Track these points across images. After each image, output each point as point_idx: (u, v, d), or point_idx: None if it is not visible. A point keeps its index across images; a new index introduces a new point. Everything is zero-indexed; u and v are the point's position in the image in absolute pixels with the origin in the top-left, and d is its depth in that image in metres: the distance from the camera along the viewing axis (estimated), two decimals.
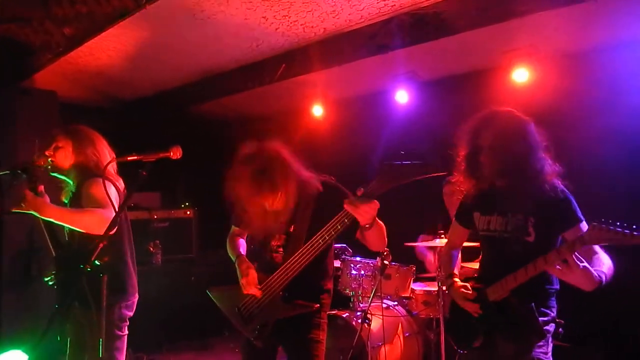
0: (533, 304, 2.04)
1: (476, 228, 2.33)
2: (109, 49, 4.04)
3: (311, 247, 2.12)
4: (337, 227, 2.04)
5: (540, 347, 2.05)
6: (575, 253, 1.86)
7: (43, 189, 2.34)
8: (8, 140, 4.17)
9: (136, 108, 5.82)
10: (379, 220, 2.07)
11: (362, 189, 1.93)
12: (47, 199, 2.35)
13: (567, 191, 2.11)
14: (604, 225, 1.79)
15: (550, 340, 2.10)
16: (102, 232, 1.88)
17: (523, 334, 2.05)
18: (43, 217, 2.32)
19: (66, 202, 2.62)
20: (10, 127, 4.19)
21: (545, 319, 2.10)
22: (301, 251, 2.14)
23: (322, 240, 2.08)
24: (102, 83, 5.01)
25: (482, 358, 2.20)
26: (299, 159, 2.28)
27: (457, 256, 2.53)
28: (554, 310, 2.16)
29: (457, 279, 2.34)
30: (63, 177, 2.62)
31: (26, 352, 3.51)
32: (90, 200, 2.42)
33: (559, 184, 2.12)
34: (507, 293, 2.06)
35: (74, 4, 3.15)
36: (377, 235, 2.11)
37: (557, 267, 1.89)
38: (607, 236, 1.79)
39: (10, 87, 4.22)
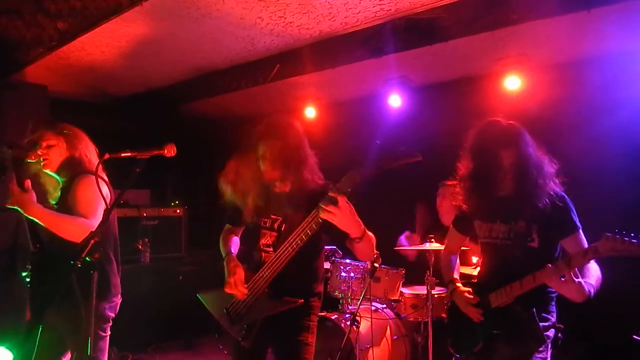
0: (534, 309, 2.06)
1: (477, 235, 2.35)
2: (101, 44, 4.01)
3: (290, 245, 2.12)
4: (312, 226, 2.03)
5: (539, 352, 2.07)
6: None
7: (30, 185, 2.30)
8: None
9: (127, 105, 5.78)
10: (369, 233, 2.07)
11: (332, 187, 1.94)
12: (34, 196, 2.30)
13: (566, 197, 2.14)
14: (618, 237, 1.81)
15: (549, 346, 2.12)
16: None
17: (523, 339, 2.07)
18: (26, 215, 2.29)
19: (54, 203, 2.58)
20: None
21: (546, 324, 2.12)
22: (282, 247, 2.15)
23: (299, 240, 2.08)
24: (93, 78, 4.96)
25: None
26: (314, 158, 2.34)
27: (456, 261, 2.55)
28: (554, 315, 2.18)
29: (459, 284, 2.35)
30: (53, 175, 2.59)
31: (10, 350, 3.47)
32: (78, 204, 2.39)
33: (559, 190, 2.14)
34: (512, 300, 2.08)
35: None
36: (366, 248, 2.10)
37: (561, 278, 1.92)
38: (621, 247, 1.81)
39: (1, 80, 4.17)
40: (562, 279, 1.92)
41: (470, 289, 2.28)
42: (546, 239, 2.11)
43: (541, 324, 2.08)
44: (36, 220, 2.30)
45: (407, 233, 4.36)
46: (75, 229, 2.11)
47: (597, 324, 3.40)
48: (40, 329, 2.50)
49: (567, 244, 2.10)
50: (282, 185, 2.32)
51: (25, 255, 3.93)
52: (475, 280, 2.39)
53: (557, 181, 2.15)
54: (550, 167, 2.16)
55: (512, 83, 4.11)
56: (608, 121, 3.54)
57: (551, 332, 2.14)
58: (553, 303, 2.19)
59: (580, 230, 2.10)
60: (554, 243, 2.13)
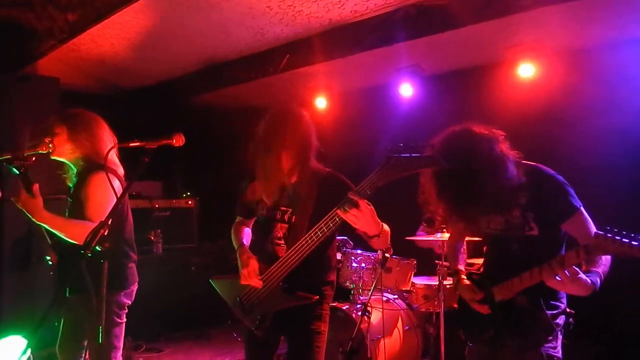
0: (541, 299, 2.01)
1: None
2: (112, 36, 4.02)
3: (306, 242, 2.11)
4: (329, 225, 2.03)
5: (549, 341, 2.03)
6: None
7: (37, 189, 2.31)
8: (8, 125, 4.16)
9: (138, 97, 5.80)
10: (385, 228, 2.08)
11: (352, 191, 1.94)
12: (41, 201, 2.31)
13: (559, 178, 2.03)
14: (609, 236, 1.72)
15: (559, 333, 2.07)
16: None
17: (531, 329, 2.03)
18: (35, 220, 2.30)
19: (71, 186, 2.60)
20: (11, 113, 4.18)
21: (555, 312, 2.06)
22: (299, 244, 2.14)
23: (315, 237, 2.08)
24: (104, 71, 4.99)
25: (491, 351, 2.17)
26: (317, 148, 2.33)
27: (461, 250, 2.49)
28: (564, 300, 2.11)
29: (463, 276, 2.31)
30: (66, 162, 2.61)
31: (26, 338, 3.52)
32: (87, 206, 2.39)
33: (549, 171, 2.05)
34: (514, 294, 2.04)
35: None
36: (381, 242, 2.13)
37: (557, 278, 1.85)
38: (612, 247, 1.73)
39: (13, 72, 4.20)
40: (559, 279, 1.85)
41: (472, 284, 2.23)
42: (545, 226, 2.03)
43: (549, 312, 2.03)
44: (44, 226, 2.32)
45: (421, 228, 4.28)
46: (83, 234, 2.10)
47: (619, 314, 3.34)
48: (64, 313, 2.56)
49: (569, 227, 2.00)
50: (290, 176, 2.31)
51: (43, 243, 3.99)
52: (480, 271, 2.35)
53: (518, 158, 2.02)
54: (506, 149, 2.01)
55: (526, 70, 4.04)
56: (624, 109, 3.47)
57: (561, 319, 2.08)
58: (561, 295, 2.12)
59: (581, 210, 1.99)
60: (555, 229, 2.04)
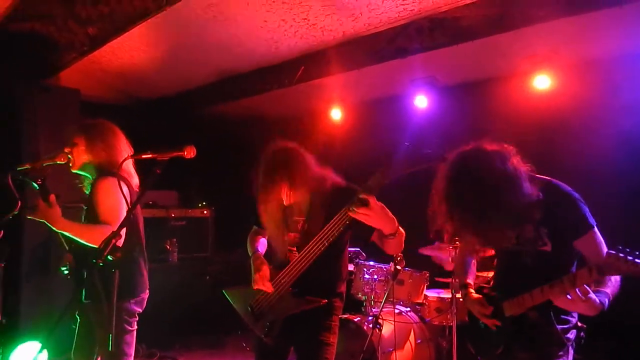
0: (552, 313, 1.97)
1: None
2: (131, 49, 4.11)
3: (316, 245, 2.13)
4: (339, 226, 2.05)
5: (559, 357, 1.99)
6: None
7: (55, 199, 2.37)
8: (31, 136, 4.26)
9: (156, 107, 5.91)
10: (401, 229, 2.10)
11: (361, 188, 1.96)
12: (59, 210, 2.37)
13: (574, 195, 2.01)
14: (622, 255, 1.69)
15: (571, 348, 2.04)
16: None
17: (541, 344, 2.00)
18: (54, 229, 2.37)
19: (87, 193, 2.66)
20: (33, 124, 4.28)
21: (566, 326, 2.03)
22: (309, 246, 2.16)
23: (325, 240, 2.10)
24: (124, 82, 5.10)
25: None
26: (315, 158, 2.38)
27: (472, 264, 2.47)
28: (575, 314, 2.07)
29: (472, 290, 2.29)
30: (83, 174, 2.67)
31: (41, 342, 3.58)
32: (100, 211, 2.45)
33: (564, 187, 2.02)
34: (524, 310, 2.01)
35: (97, 4, 3.21)
36: (397, 243, 2.15)
37: (568, 296, 1.82)
38: (624, 267, 1.69)
39: (35, 84, 4.32)
40: (569, 297, 1.81)
41: (482, 297, 2.21)
42: (559, 242, 2.00)
43: (560, 326, 1.99)
44: (64, 233, 2.38)
45: (437, 243, 4.23)
46: (101, 238, 2.15)
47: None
48: (79, 320, 2.61)
49: (581, 245, 1.98)
50: (290, 199, 2.37)
51: (61, 251, 4.07)
52: (490, 285, 2.32)
53: (531, 173, 1.99)
54: (520, 163, 1.97)
55: (542, 82, 4.01)
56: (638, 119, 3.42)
57: (572, 334, 2.05)
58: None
59: (595, 230, 1.96)
60: (568, 245, 2.01)
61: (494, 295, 2.18)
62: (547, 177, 2.06)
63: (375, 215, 1.95)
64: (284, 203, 2.34)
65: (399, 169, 1.87)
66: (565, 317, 2.04)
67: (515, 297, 2.03)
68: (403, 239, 2.17)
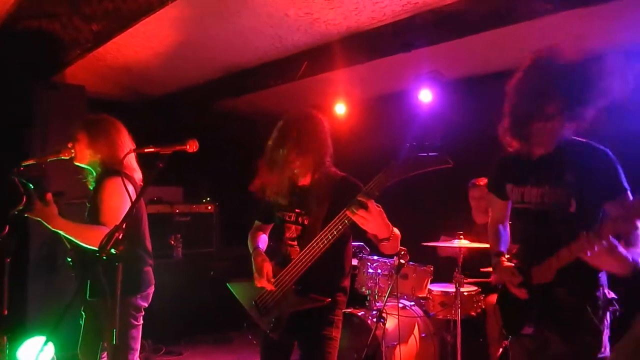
0: (582, 293, 1.92)
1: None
2: (136, 45, 4.12)
3: (317, 244, 2.13)
4: (339, 227, 2.04)
5: (596, 348, 1.92)
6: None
7: (51, 198, 2.37)
8: (38, 133, 4.30)
9: (162, 104, 5.93)
10: (395, 231, 2.07)
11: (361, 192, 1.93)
12: (55, 209, 2.37)
13: (610, 154, 1.93)
14: None
15: (605, 335, 1.95)
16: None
17: (575, 334, 1.94)
18: (51, 228, 2.36)
19: (92, 189, 2.67)
20: (40, 121, 4.31)
21: (598, 302, 1.95)
22: (310, 245, 2.16)
23: (326, 239, 2.09)
24: (129, 79, 5.12)
25: (532, 351, 2.08)
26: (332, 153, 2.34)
27: (505, 232, 2.38)
28: (605, 288, 1.97)
29: (504, 258, 2.22)
30: (87, 167, 2.69)
31: (47, 336, 3.61)
32: (102, 211, 2.44)
33: (602, 147, 1.95)
34: (553, 275, 1.92)
35: (101, 0, 3.22)
36: (391, 246, 2.11)
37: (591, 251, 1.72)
38: None
39: (41, 81, 4.35)
40: (596, 249, 1.70)
41: (512, 266, 2.13)
42: (585, 203, 1.91)
43: (591, 308, 1.91)
44: (60, 232, 2.38)
45: (442, 237, 4.22)
46: (97, 239, 2.15)
47: None
48: (84, 316, 2.62)
49: (612, 207, 1.87)
50: (303, 179, 2.33)
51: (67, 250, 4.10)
52: (513, 252, 2.24)
53: (591, 142, 1.93)
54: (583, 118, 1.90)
55: None
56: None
57: (606, 317, 1.96)
58: (602, 282, 1.98)
59: (628, 194, 1.88)
60: (594, 207, 1.92)
61: (522, 262, 2.12)
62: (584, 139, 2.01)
63: (372, 219, 1.93)
64: (294, 179, 2.31)
65: (401, 172, 1.86)
66: (596, 292, 1.96)
67: (541, 262, 1.97)
68: (398, 242, 2.12)
